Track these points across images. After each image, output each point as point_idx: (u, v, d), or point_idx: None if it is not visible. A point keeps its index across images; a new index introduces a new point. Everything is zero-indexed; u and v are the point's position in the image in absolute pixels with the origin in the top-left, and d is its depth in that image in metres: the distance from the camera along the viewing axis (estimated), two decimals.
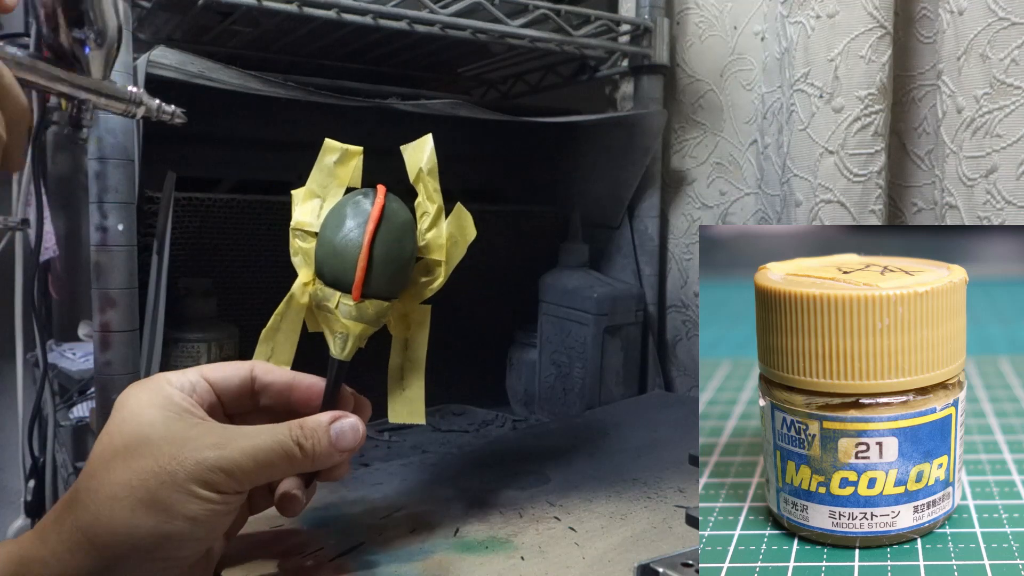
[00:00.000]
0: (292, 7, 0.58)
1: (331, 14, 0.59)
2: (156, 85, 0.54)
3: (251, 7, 0.57)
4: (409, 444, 0.67)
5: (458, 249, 0.42)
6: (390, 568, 0.40)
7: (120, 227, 0.54)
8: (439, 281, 0.42)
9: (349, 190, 0.43)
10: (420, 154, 0.42)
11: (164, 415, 0.35)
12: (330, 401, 0.40)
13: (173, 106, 0.44)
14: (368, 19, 0.61)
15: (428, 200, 0.42)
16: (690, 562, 0.36)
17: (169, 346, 0.59)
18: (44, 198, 0.79)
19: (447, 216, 0.42)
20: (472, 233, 0.43)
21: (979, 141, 0.55)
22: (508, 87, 0.91)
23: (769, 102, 0.71)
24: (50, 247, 0.83)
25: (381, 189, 0.41)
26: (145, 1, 0.55)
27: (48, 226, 0.80)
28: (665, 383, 0.83)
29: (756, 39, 0.75)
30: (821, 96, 0.63)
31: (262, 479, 0.35)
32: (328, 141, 0.43)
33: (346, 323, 0.40)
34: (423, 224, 0.42)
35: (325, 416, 0.38)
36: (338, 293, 0.40)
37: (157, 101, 0.43)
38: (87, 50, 0.39)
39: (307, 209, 0.42)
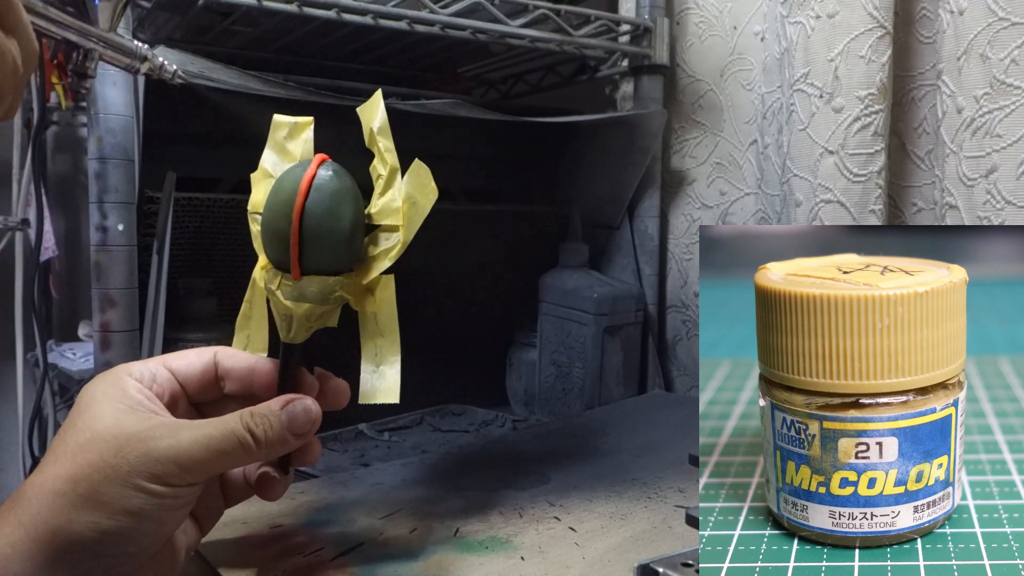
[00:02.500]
0: (292, 7, 0.58)
1: (331, 14, 0.59)
2: (156, 85, 0.54)
3: (251, 7, 0.57)
4: (409, 444, 0.67)
5: (418, 210, 0.39)
6: (390, 568, 0.40)
7: (120, 227, 0.54)
8: (398, 248, 0.39)
9: None
10: (372, 113, 0.39)
11: (115, 408, 0.34)
12: (284, 386, 0.39)
13: (175, 66, 0.44)
14: (368, 19, 0.61)
15: (380, 162, 0.39)
16: (690, 562, 0.36)
17: (169, 346, 0.59)
18: (44, 198, 0.79)
19: (405, 176, 0.39)
20: (433, 191, 0.39)
21: (979, 141, 0.55)
22: (508, 87, 0.91)
23: (769, 102, 0.71)
24: (50, 247, 0.83)
25: (317, 158, 0.38)
26: (145, 1, 0.55)
27: (48, 226, 0.80)
28: (665, 383, 0.83)
29: (756, 39, 0.75)
30: (821, 96, 0.63)
31: (215, 469, 0.34)
32: (276, 116, 0.41)
33: (287, 304, 0.38)
34: (377, 189, 0.39)
35: (276, 401, 0.36)
36: (280, 274, 0.38)
37: (161, 59, 0.43)
38: (96, 1, 0.39)
39: (260, 189, 0.40)
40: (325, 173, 0.37)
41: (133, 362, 0.38)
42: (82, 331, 0.88)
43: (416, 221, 0.39)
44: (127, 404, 0.35)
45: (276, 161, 0.40)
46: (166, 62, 0.44)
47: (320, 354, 0.41)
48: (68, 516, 0.31)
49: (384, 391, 0.40)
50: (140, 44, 0.42)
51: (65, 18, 0.39)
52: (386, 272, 0.40)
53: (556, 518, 0.47)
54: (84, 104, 0.43)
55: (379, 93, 0.39)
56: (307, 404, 0.37)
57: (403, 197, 0.39)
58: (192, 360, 0.39)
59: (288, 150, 0.40)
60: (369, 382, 0.40)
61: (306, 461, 0.40)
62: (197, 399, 0.40)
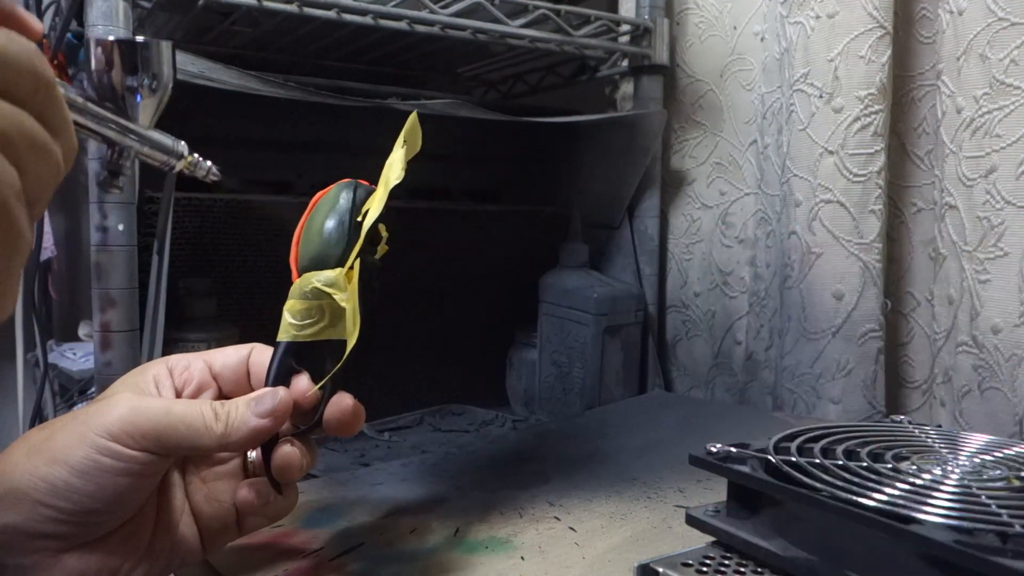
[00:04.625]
0: (292, 7, 0.58)
1: (331, 14, 0.59)
2: None
3: (251, 7, 0.57)
4: (409, 444, 0.67)
5: (384, 186, 0.39)
6: (390, 568, 0.40)
7: (120, 227, 0.54)
8: (374, 209, 0.39)
9: None
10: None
11: (123, 385, 0.36)
12: (271, 383, 0.38)
13: (209, 163, 0.44)
14: (368, 19, 0.61)
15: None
16: (690, 562, 0.36)
17: (169, 346, 0.59)
18: None
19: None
20: (398, 170, 0.39)
21: (979, 141, 0.55)
22: (508, 87, 0.92)
23: (769, 102, 0.71)
24: (49, 247, 0.83)
25: (342, 181, 0.40)
26: (145, 1, 0.55)
27: (47, 226, 0.80)
28: (665, 383, 0.83)
29: (756, 39, 0.75)
30: (821, 96, 0.63)
31: (173, 440, 0.34)
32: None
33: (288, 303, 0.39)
34: None
35: (250, 394, 0.37)
36: None
37: (196, 155, 0.43)
38: (138, 98, 0.39)
39: None
40: (341, 189, 0.39)
41: (178, 354, 0.39)
42: (82, 331, 0.88)
43: (378, 198, 0.39)
44: (133, 381, 0.37)
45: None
46: (201, 159, 0.44)
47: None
48: (17, 459, 0.32)
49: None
50: (177, 141, 0.42)
51: (105, 114, 0.38)
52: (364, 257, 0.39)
53: (556, 518, 0.47)
54: (119, 187, 0.43)
55: (413, 116, 0.40)
56: (275, 390, 0.37)
57: (382, 182, 0.39)
58: (230, 354, 0.40)
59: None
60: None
61: (291, 476, 0.38)
62: (232, 394, 0.40)
